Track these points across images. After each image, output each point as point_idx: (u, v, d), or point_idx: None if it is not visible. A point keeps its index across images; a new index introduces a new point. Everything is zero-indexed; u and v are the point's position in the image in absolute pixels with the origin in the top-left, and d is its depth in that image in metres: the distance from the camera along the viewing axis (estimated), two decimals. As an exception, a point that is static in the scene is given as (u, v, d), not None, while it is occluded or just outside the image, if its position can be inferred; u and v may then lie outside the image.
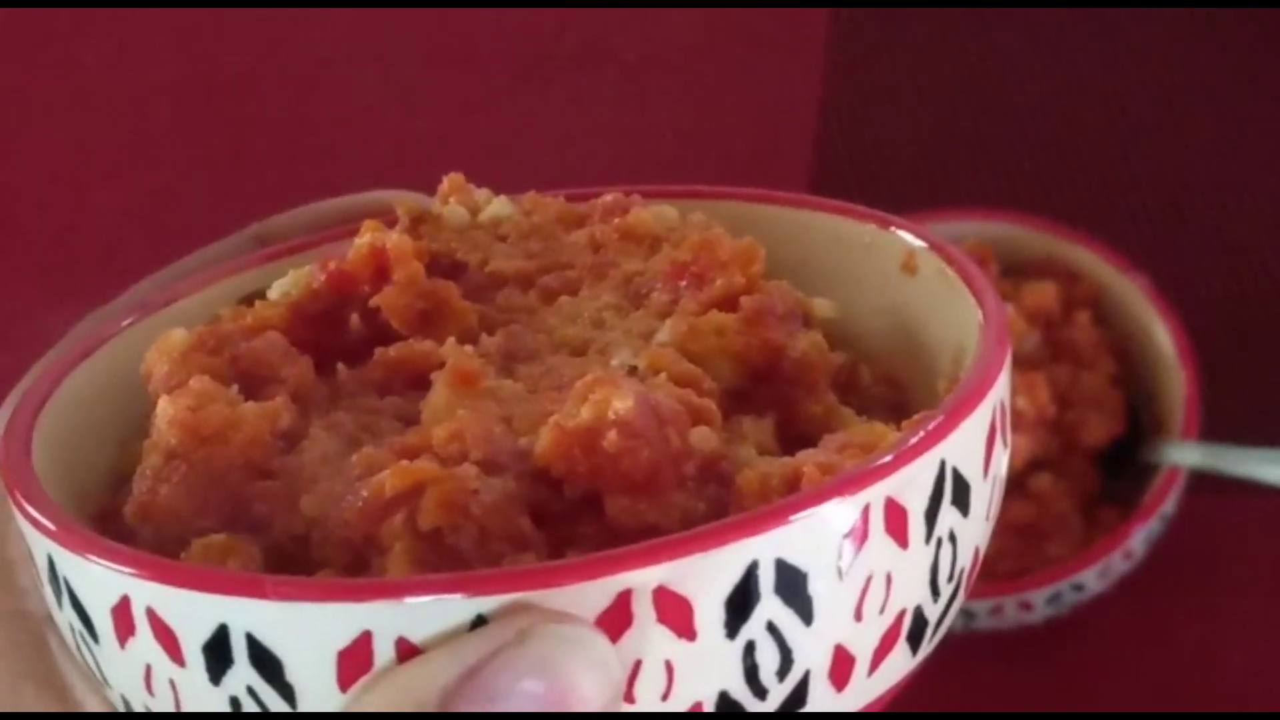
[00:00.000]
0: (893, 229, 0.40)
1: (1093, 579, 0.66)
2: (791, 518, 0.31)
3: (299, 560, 0.33)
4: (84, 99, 0.90)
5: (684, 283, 0.38)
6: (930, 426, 0.33)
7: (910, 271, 0.40)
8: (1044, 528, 0.68)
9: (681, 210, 0.41)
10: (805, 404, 0.37)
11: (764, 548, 0.31)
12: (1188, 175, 0.81)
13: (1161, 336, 0.71)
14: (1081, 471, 0.70)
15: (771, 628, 0.32)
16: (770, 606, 0.31)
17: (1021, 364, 0.69)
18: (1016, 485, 0.68)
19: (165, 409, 0.34)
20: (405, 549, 0.32)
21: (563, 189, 0.42)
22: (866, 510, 0.32)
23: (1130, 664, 0.69)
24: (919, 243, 0.39)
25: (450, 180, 0.42)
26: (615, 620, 0.30)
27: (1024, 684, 0.69)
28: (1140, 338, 0.71)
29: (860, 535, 0.32)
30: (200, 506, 0.34)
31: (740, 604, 0.31)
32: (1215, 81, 0.84)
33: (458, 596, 0.30)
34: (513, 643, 0.29)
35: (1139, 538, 0.67)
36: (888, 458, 0.32)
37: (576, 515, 0.33)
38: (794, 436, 0.36)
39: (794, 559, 0.31)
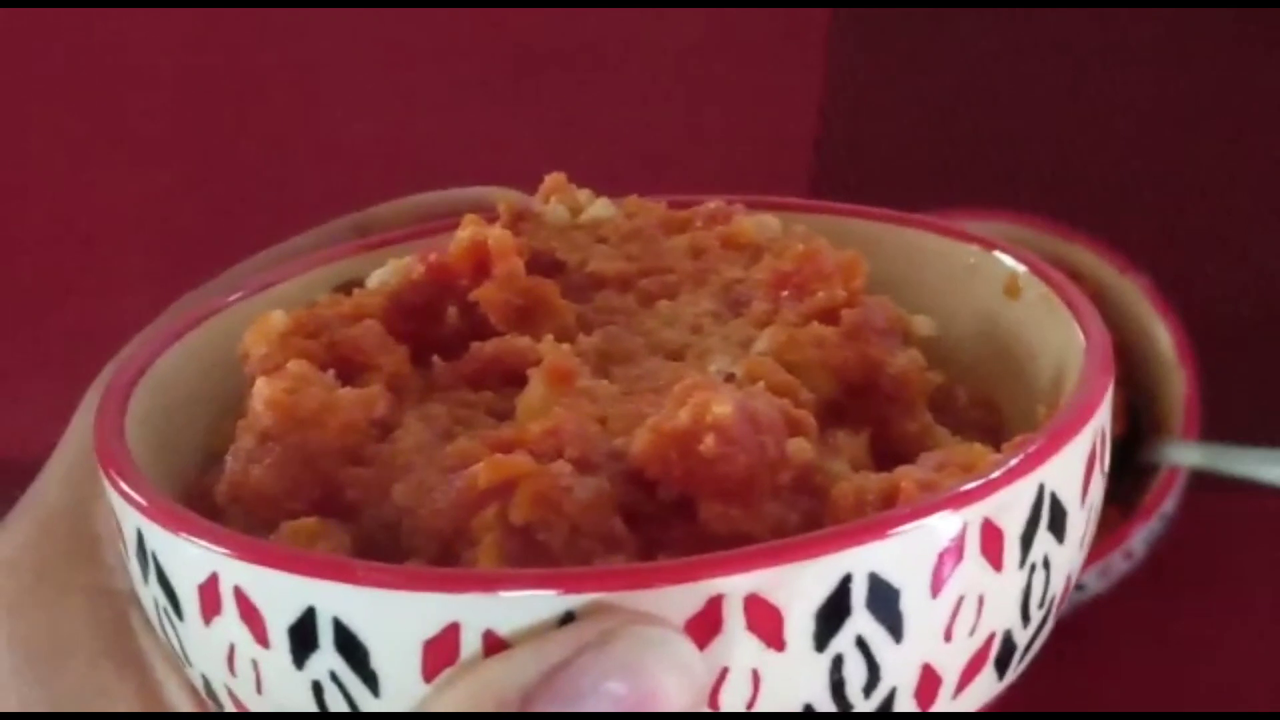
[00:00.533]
0: (996, 252, 0.40)
1: (1093, 579, 0.66)
2: (889, 532, 0.31)
3: (387, 549, 0.33)
4: (84, 99, 0.90)
5: (785, 293, 0.38)
6: (1031, 449, 0.32)
7: (1013, 295, 0.39)
8: (1044, 528, 0.68)
9: (784, 222, 0.41)
10: (901, 421, 0.36)
11: (859, 561, 0.31)
12: (1188, 175, 0.81)
13: (1161, 336, 0.71)
14: (1081, 471, 0.70)
15: (861, 643, 0.31)
16: (861, 621, 0.31)
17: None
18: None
19: (262, 390, 0.34)
20: (495, 542, 0.31)
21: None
22: (964, 530, 0.31)
23: (1130, 664, 0.69)
24: (1022, 267, 0.39)
25: (552, 179, 0.42)
26: (704, 626, 0.30)
27: (1024, 684, 0.69)
28: (1140, 338, 0.71)
29: (956, 554, 0.31)
30: (291, 489, 0.34)
31: (831, 616, 0.31)
32: (1215, 81, 0.84)
33: (550, 593, 0.30)
34: (597, 643, 0.29)
35: (1139, 538, 0.67)
36: (988, 478, 0.32)
37: (668, 518, 0.32)
38: (888, 454, 0.36)
39: (888, 574, 0.31)
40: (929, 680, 0.32)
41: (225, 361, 0.38)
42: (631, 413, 0.34)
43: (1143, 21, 0.86)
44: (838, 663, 0.31)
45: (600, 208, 0.41)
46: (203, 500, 0.35)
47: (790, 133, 0.85)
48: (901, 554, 0.31)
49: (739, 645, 0.30)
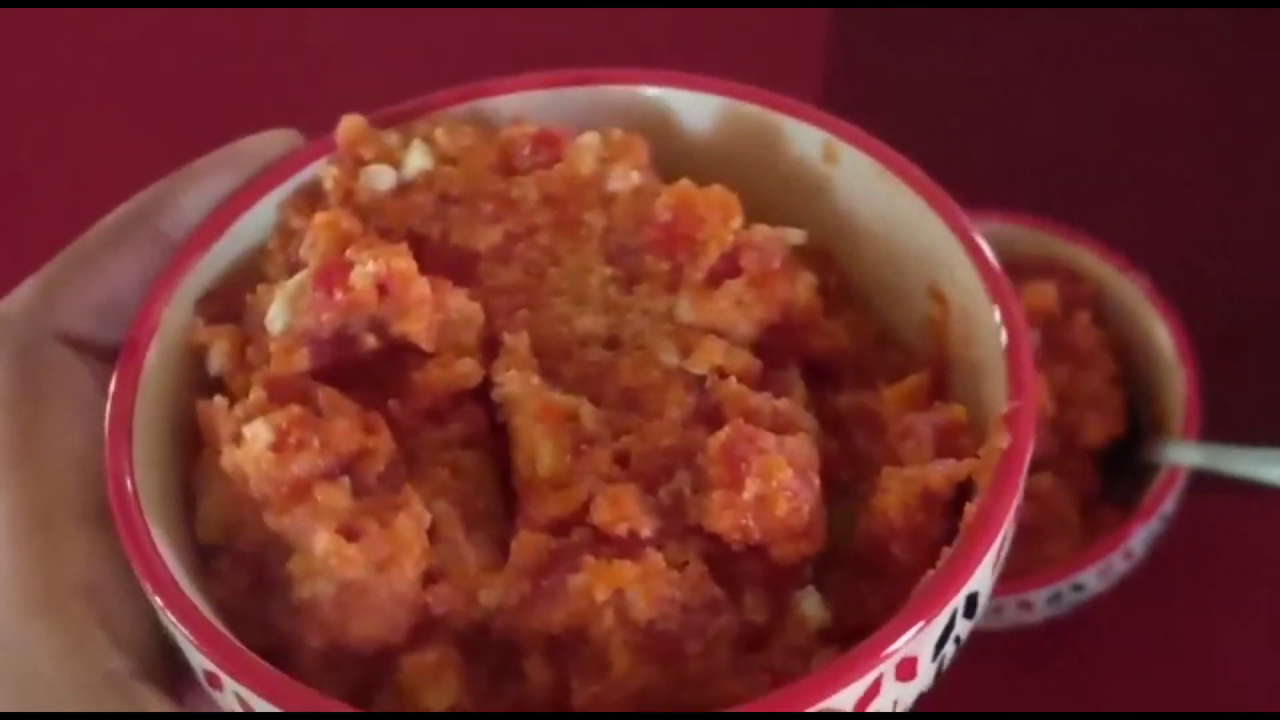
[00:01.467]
0: (805, 121, 0.42)
1: (1093, 579, 0.66)
2: (983, 560, 0.35)
3: (483, 650, 0.35)
4: (84, 98, 0.90)
5: (675, 249, 0.39)
6: (1021, 427, 0.37)
7: (832, 160, 0.41)
8: (1044, 528, 0.68)
9: (602, 126, 0.41)
10: (812, 341, 0.39)
11: (964, 593, 0.35)
12: (1188, 175, 0.81)
13: (1161, 336, 0.70)
14: (1081, 471, 0.70)
15: (957, 639, 0.36)
16: (959, 626, 0.36)
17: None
18: (1016, 485, 0.68)
19: (326, 544, 0.34)
20: (625, 643, 0.34)
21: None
22: (1009, 523, 0.36)
23: (1130, 664, 0.69)
24: (830, 134, 0.41)
25: (352, 127, 0.41)
26: (869, 695, 0.34)
27: (1024, 684, 0.69)
28: (1140, 338, 0.71)
29: (1008, 538, 0.36)
30: (391, 627, 0.35)
31: (944, 638, 0.35)
32: (1215, 81, 0.84)
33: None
34: None
35: (1139, 538, 0.67)
36: (1015, 467, 0.36)
37: (740, 557, 0.36)
38: (809, 377, 0.39)
39: (978, 587, 0.36)
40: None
41: (168, 411, 0.38)
42: (643, 447, 0.36)
43: (1143, 21, 0.86)
44: (942, 660, 0.36)
45: (419, 156, 0.40)
46: (269, 625, 0.36)
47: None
48: (986, 568, 0.35)
49: (888, 691, 0.35)
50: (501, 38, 0.90)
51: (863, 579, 0.37)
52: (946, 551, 0.36)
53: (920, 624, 0.34)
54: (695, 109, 0.42)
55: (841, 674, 0.34)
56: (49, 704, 0.35)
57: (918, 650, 0.35)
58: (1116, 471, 0.70)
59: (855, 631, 0.35)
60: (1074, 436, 0.69)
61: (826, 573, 0.37)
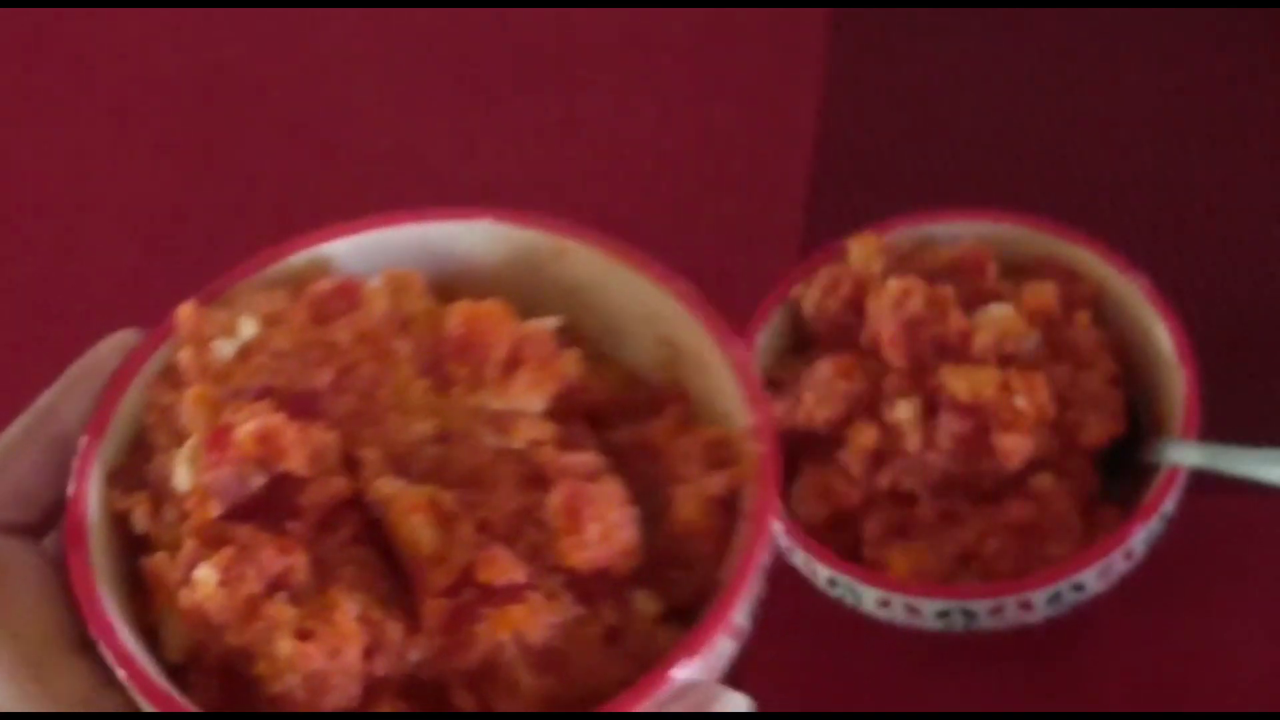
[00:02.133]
0: (536, 228, 0.50)
1: (1093, 579, 0.67)
2: (767, 538, 0.46)
3: (418, 688, 0.44)
4: (84, 99, 0.90)
5: (470, 355, 0.48)
6: (766, 435, 0.47)
7: (561, 257, 0.50)
8: (1044, 528, 0.68)
9: (377, 246, 0.50)
10: (585, 398, 0.49)
11: (760, 564, 0.45)
12: (1188, 175, 0.81)
13: (1161, 336, 0.70)
14: (1081, 471, 0.70)
15: (758, 598, 0.46)
16: (759, 588, 0.46)
17: (1021, 364, 0.69)
18: (1016, 485, 0.68)
19: (289, 649, 0.44)
20: (526, 665, 0.44)
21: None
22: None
23: (1130, 664, 0.69)
24: (554, 234, 0.50)
25: (189, 315, 0.49)
26: (715, 655, 0.45)
27: (1024, 684, 0.69)
28: (1140, 338, 0.71)
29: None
30: (349, 696, 0.44)
31: (755, 610, 0.46)
32: (1215, 81, 0.84)
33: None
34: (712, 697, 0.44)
35: (1139, 538, 0.67)
36: (772, 466, 0.46)
37: (591, 579, 0.45)
38: (587, 422, 0.49)
39: (767, 558, 0.45)
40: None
41: (109, 571, 0.46)
42: (496, 514, 0.45)
43: (1143, 21, 0.86)
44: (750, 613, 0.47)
45: (249, 325, 0.49)
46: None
47: (790, 132, 0.85)
48: (770, 543, 0.46)
49: (722, 649, 0.45)
50: (501, 38, 0.90)
51: (673, 570, 0.46)
52: (736, 540, 0.46)
53: (739, 597, 0.45)
54: (461, 234, 0.51)
55: (696, 645, 0.44)
56: None
57: (740, 616, 0.45)
58: (1116, 471, 0.70)
59: (680, 609, 0.46)
60: (1074, 436, 0.69)
61: (644, 571, 0.46)
